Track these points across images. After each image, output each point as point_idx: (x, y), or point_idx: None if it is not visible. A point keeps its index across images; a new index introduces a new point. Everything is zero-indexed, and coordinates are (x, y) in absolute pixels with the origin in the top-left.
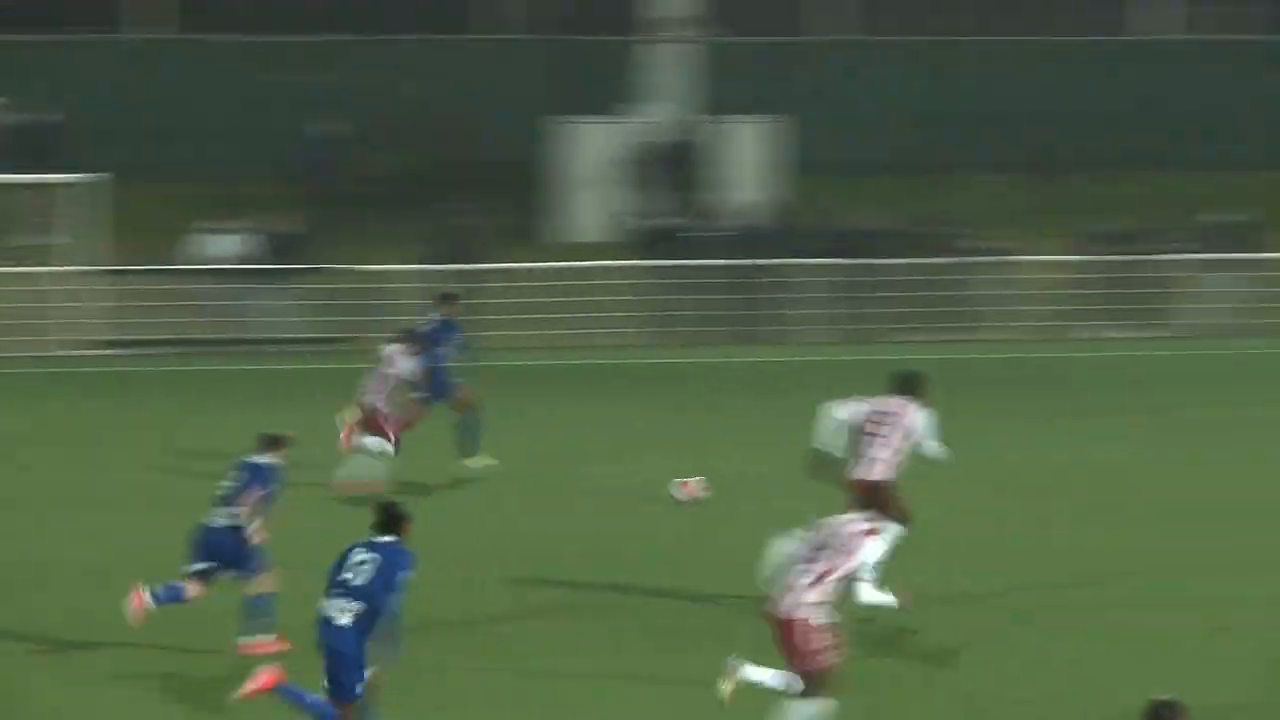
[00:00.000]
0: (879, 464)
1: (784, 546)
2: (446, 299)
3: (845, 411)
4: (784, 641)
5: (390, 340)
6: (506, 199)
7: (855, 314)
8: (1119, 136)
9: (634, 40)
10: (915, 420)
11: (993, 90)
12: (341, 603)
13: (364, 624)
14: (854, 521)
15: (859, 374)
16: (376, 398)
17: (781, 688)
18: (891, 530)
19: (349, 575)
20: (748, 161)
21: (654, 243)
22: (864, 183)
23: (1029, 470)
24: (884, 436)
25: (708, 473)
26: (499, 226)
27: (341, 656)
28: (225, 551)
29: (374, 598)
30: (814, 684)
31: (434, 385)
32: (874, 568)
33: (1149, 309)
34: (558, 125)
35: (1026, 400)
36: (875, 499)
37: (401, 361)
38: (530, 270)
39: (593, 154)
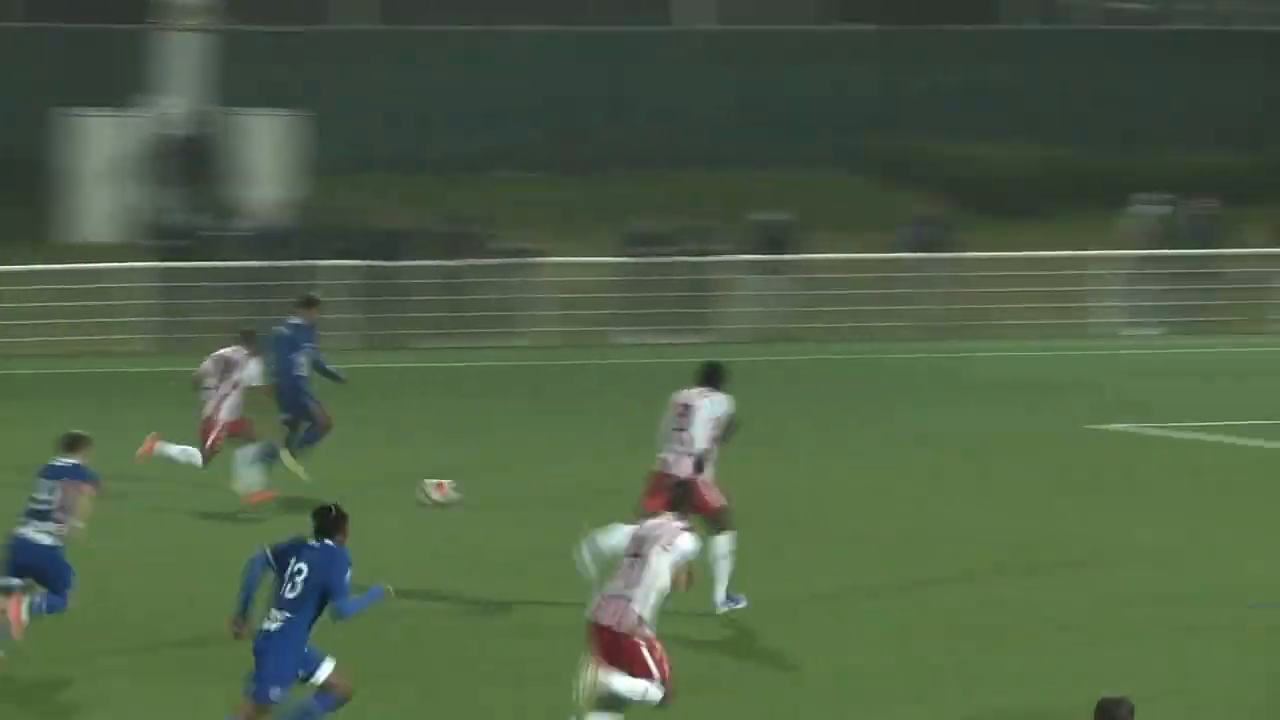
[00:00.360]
0: (683, 459)
1: (594, 552)
2: (309, 302)
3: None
4: (619, 656)
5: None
6: (9, 196)
7: (377, 319)
8: (667, 133)
9: (146, 28)
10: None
11: (530, 85)
12: (275, 612)
13: (297, 631)
14: (668, 522)
15: (380, 382)
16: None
17: (638, 697)
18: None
19: (287, 588)
20: (266, 157)
21: (168, 242)
22: (393, 181)
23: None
24: (685, 431)
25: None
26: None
27: (270, 660)
28: (37, 566)
29: (305, 608)
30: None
31: (286, 395)
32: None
33: (690, 312)
34: (64, 118)
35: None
36: (683, 498)
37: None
38: (36, 273)
39: (103, 148)
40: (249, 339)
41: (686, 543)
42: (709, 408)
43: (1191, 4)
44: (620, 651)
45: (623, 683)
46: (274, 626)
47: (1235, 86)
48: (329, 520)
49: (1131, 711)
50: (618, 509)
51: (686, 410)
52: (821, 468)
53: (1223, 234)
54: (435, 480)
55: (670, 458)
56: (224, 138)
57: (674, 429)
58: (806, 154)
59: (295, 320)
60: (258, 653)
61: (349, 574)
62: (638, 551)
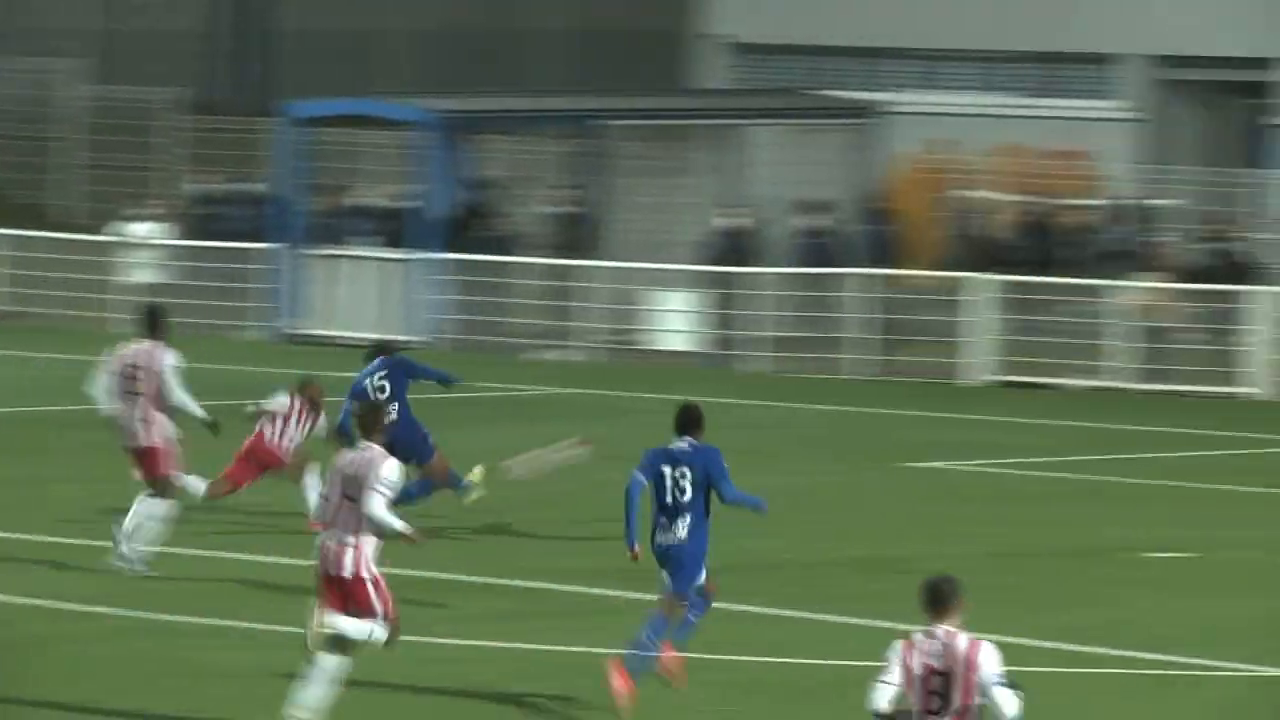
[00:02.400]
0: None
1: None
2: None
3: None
4: (349, 599)
5: None
6: None
7: None
8: None
9: None
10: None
11: None
12: (673, 521)
13: (700, 529)
14: (367, 455)
15: None
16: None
17: (365, 637)
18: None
19: (675, 494)
20: None
21: None
22: None
23: None
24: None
25: None
26: None
27: (686, 562)
28: None
29: (698, 505)
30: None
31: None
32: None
33: None
34: None
35: None
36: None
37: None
38: None
39: None
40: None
41: (391, 471)
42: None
43: None
44: (348, 595)
45: (349, 624)
46: (681, 533)
47: None
48: (691, 418)
49: (957, 588)
50: None
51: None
52: None
53: None
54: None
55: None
56: None
57: (128, 391)
58: None
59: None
60: (670, 560)
61: (723, 459)
62: (348, 493)
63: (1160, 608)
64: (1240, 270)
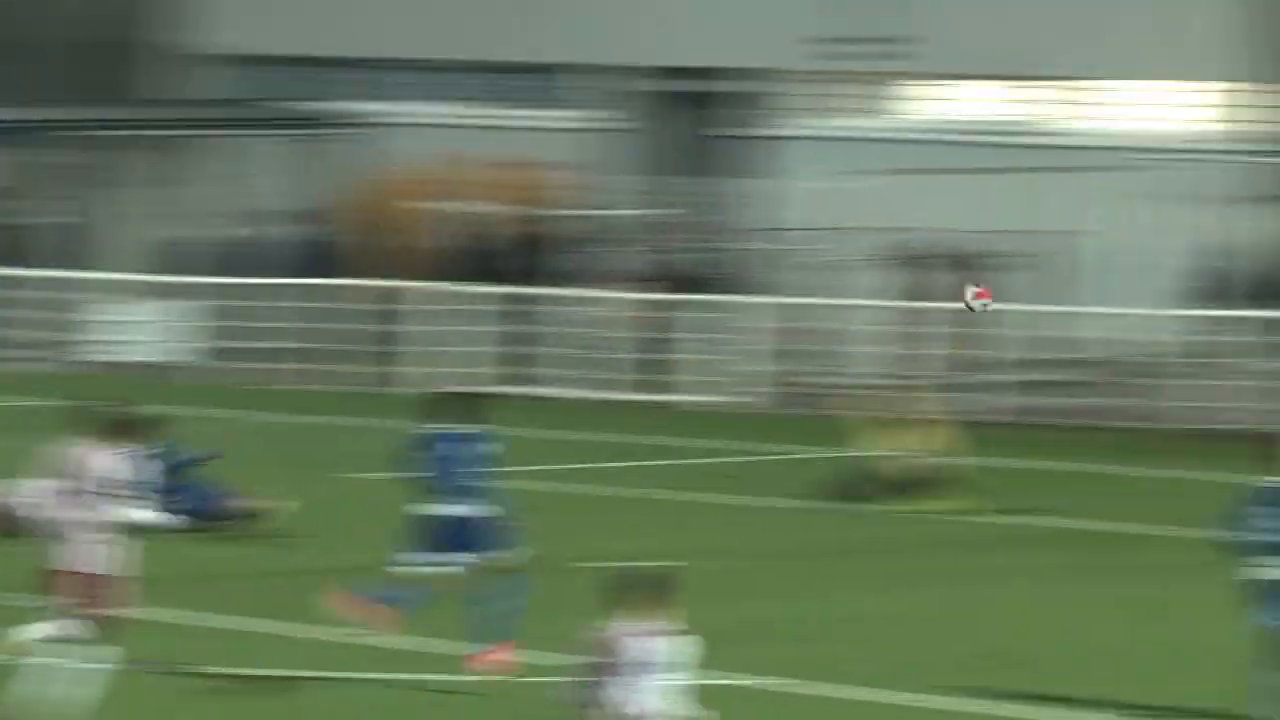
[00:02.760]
0: None
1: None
2: None
3: None
4: (78, 592)
5: None
6: None
7: None
8: None
9: None
10: None
11: None
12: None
13: None
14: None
15: None
16: None
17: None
18: None
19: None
20: None
21: None
22: None
23: None
24: None
25: None
26: None
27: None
28: None
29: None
30: (108, 630)
31: None
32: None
33: None
34: None
35: None
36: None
37: None
38: None
39: None
40: None
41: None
42: None
43: None
44: (87, 589)
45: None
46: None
47: None
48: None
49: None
50: None
51: None
52: None
53: None
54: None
55: None
56: None
57: None
58: None
59: None
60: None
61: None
62: (80, 489)
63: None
64: (707, 280)
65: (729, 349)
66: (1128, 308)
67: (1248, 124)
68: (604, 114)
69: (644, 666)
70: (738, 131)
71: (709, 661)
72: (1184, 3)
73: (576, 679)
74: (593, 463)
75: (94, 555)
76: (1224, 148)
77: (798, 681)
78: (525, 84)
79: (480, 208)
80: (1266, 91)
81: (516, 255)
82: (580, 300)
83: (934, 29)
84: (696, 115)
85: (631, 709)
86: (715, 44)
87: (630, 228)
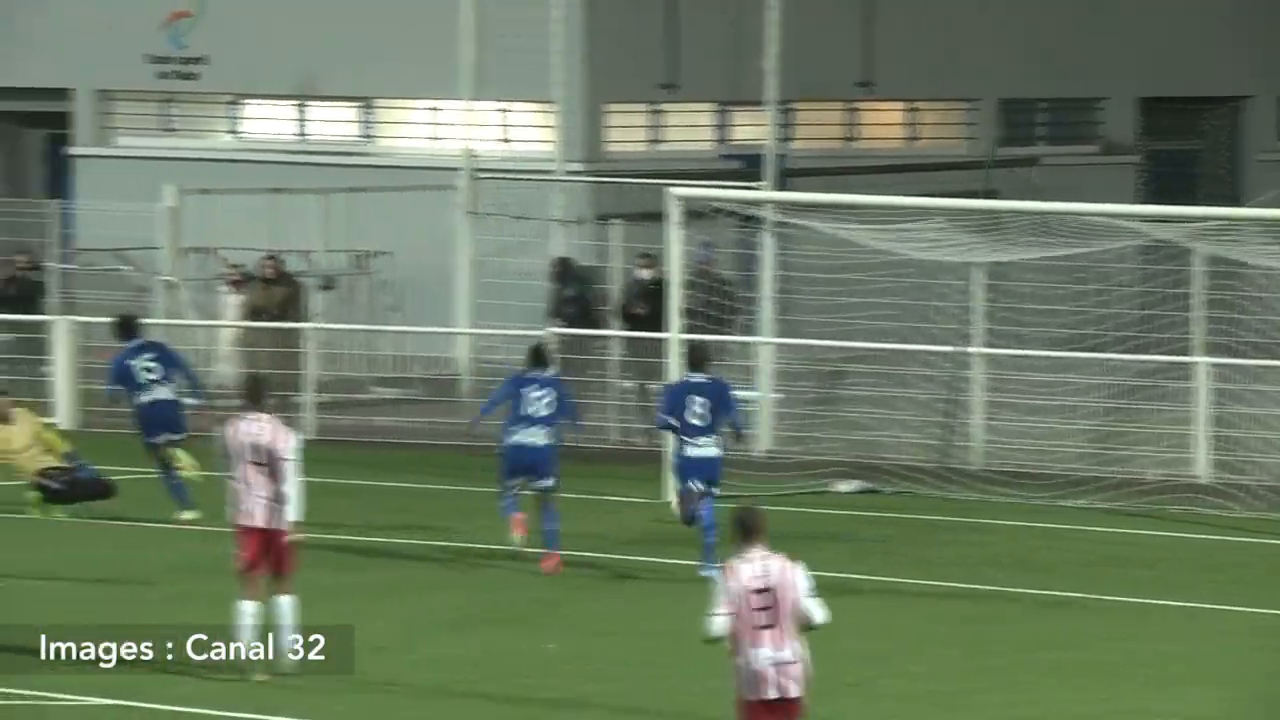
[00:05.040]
0: None
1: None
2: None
3: None
4: (271, 554)
5: None
6: None
7: None
8: None
9: None
10: None
11: None
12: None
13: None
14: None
15: None
16: None
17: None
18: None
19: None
20: None
21: None
22: None
23: None
24: None
25: None
26: None
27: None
28: None
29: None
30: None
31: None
32: None
33: None
34: None
35: None
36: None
37: None
38: None
39: None
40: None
41: (292, 440)
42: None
43: None
44: (273, 548)
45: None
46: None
47: None
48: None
49: (762, 516)
50: None
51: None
52: None
53: None
54: None
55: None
56: None
57: None
58: None
59: None
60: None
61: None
62: (260, 460)
63: None
64: (34, 298)
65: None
66: (453, 326)
67: (561, 145)
68: None
69: None
70: (61, 150)
71: None
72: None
73: None
74: None
75: None
76: (549, 168)
77: None
78: None
79: None
80: (602, 111)
81: None
82: None
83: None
84: (21, 133)
85: None
86: (36, 63)
87: None
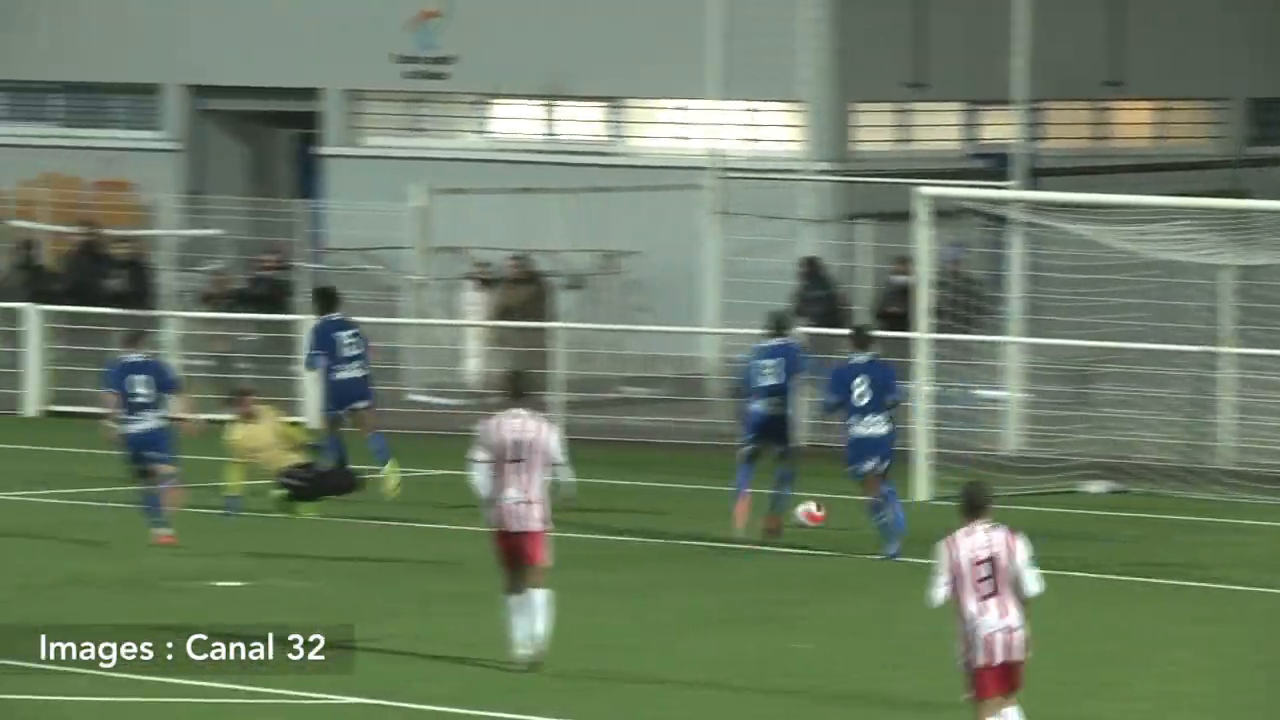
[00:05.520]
0: None
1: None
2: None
3: None
4: (525, 550)
5: None
6: None
7: None
8: None
9: None
10: None
11: None
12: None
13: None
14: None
15: None
16: None
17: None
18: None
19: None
20: None
21: None
22: None
23: None
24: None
25: None
26: None
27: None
28: None
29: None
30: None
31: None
32: None
33: None
34: None
35: None
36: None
37: None
38: None
39: None
40: None
41: (555, 436)
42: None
43: None
44: (528, 545)
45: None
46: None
47: None
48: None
49: (989, 490)
50: None
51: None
52: None
53: None
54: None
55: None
56: None
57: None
58: None
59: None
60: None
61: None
62: (520, 457)
63: None
64: (282, 298)
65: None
66: (701, 326)
67: (815, 145)
68: (170, 133)
69: None
70: (310, 150)
71: None
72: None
73: None
74: None
75: None
76: (797, 168)
77: None
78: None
79: (47, 227)
80: (851, 111)
81: (75, 274)
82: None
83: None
84: (270, 134)
85: None
86: (286, 63)
87: (194, 246)
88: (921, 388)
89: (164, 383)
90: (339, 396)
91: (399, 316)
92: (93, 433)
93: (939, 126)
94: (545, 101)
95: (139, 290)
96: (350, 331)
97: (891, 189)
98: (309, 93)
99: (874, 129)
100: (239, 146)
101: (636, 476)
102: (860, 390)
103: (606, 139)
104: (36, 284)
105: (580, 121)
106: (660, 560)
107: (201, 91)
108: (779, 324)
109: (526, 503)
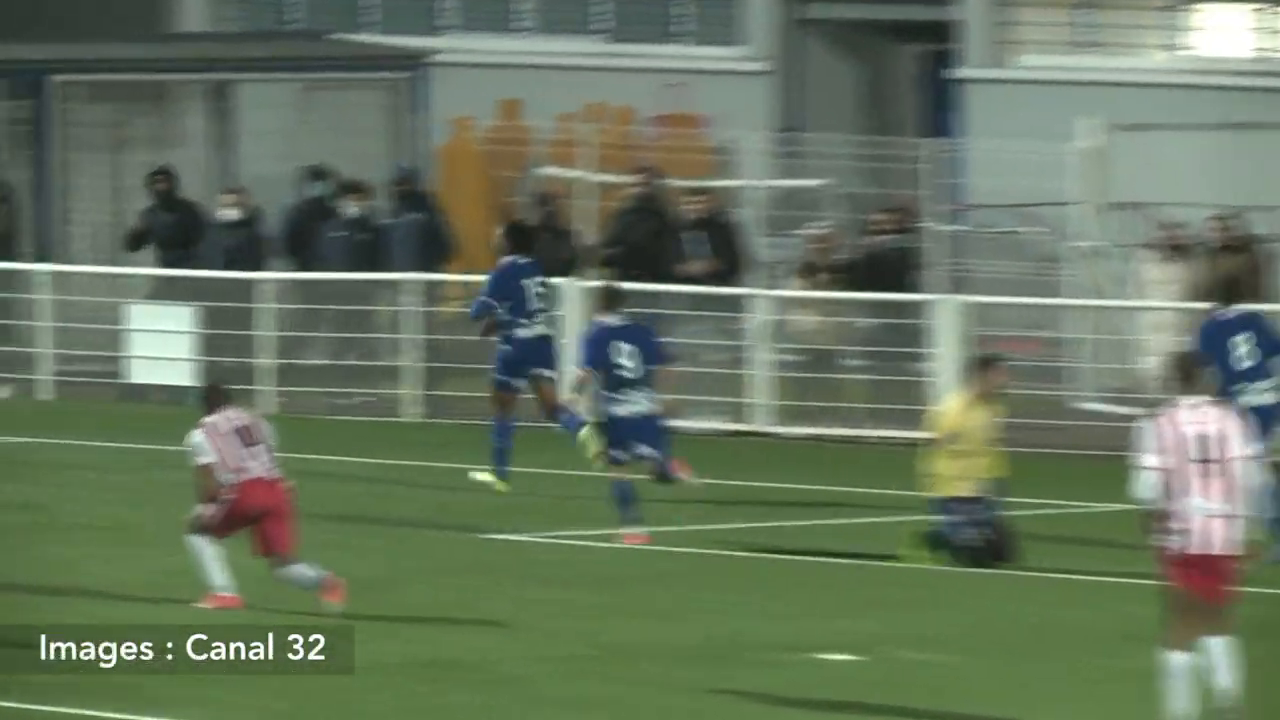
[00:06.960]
0: None
1: None
2: None
3: None
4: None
5: None
6: None
7: None
8: None
9: None
10: None
11: None
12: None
13: None
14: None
15: None
16: None
17: None
18: None
19: None
20: None
21: None
22: None
23: None
24: None
25: None
26: None
27: None
28: None
29: None
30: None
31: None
32: None
33: None
34: None
35: None
36: None
37: None
38: None
39: None
40: None
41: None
42: None
43: None
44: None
45: None
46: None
47: None
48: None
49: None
50: None
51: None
52: None
53: None
54: None
55: None
56: None
57: None
58: None
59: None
60: None
61: None
62: (1210, 457)
63: None
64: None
65: None
66: None
67: None
68: (755, 50)
69: None
70: (944, 72)
71: None
72: None
73: None
74: None
75: None
76: None
77: None
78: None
79: (592, 175)
80: None
81: (628, 237)
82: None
83: None
84: (890, 51)
85: None
86: None
87: (788, 201)
88: None
89: (652, 355)
90: (521, 358)
91: (1063, 296)
92: None
93: None
94: (1260, 6)
95: (726, 259)
96: (540, 280)
97: None
98: None
99: None
100: (848, 68)
101: None
102: None
103: None
104: (558, 251)
105: None
106: None
107: None
108: None
109: (1224, 517)
